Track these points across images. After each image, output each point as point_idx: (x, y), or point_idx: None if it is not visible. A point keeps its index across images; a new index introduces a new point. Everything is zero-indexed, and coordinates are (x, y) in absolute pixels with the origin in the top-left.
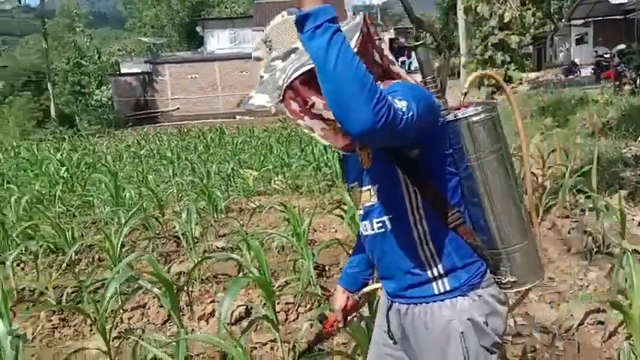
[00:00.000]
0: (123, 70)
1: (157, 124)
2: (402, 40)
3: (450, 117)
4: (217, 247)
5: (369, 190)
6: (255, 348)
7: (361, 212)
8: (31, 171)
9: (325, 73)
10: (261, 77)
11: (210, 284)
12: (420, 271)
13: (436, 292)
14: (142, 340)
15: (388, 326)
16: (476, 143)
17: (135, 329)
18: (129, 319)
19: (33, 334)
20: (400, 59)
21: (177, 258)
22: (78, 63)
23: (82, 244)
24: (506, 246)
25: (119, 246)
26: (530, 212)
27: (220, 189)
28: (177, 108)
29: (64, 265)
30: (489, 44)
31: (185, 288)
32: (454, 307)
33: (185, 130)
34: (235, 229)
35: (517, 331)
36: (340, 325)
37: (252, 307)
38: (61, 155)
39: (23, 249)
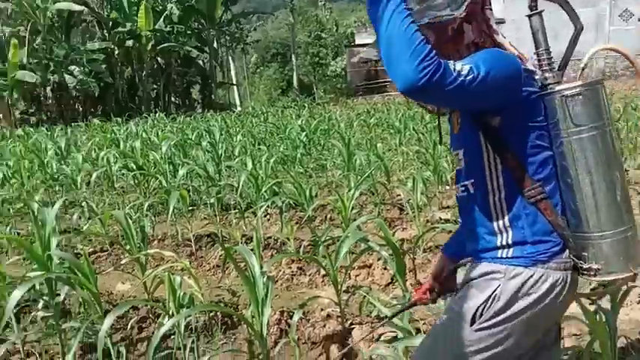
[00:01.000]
0: (357, 42)
1: (385, 94)
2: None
3: (546, 90)
4: (441, 219)
5: (457, 154)
6: None
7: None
8: (277, 134)
9: (380, 33)
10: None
11: (432, 254)
12: (492, 237)
13: (500, 255)
14: (369, 297)
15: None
16: (568, 119)
17: (361, 287)
18: (355, 276)
19: (275, 278)
20: None
21: (400, 225)
22: (318, 35)
23: (319, 203)
24: (593, 231)
25: (350, 208)
26: None
27: (447, 160)
28: None
29: (303, 220)
30: None
31: (409, 255)
32: (508, 272)
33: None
34: None
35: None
36: (428, 294)
37: None
38: (301, 122)
39: (270, 203)
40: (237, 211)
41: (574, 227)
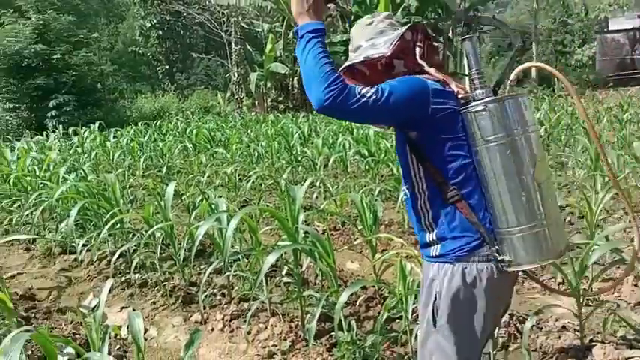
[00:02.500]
0: (611, 27)
1: None
2: None
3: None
4: None
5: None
6: None
7: None
8: None
9: (301, 66)
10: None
11: None
12: (423, 234)
13: (432, 254)
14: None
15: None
16: (478, 132)
17: (606, 301)
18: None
19: None
20: None
21: None
22: (564, 22)
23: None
24: (503, 228)
25: (597, 212)
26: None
27: None
28: None
29: None
30: None
31: None
32: (439, 270)
33: None
34: None
35: None
36: None
37: None
38: (539, 115)
39: None
40: None
41: (492, 224)
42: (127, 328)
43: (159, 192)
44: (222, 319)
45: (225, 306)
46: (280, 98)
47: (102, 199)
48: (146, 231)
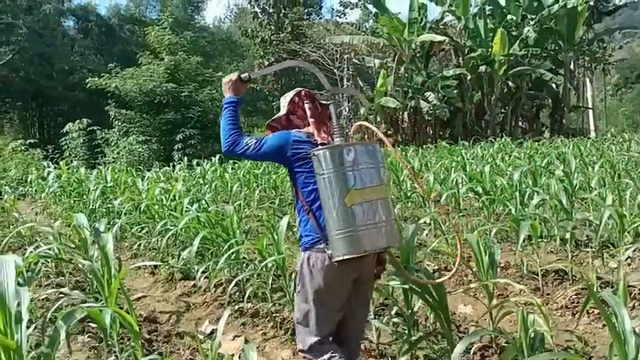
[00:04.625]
0: None
1: None
2: None
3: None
4: None
5: None
6: None
7: None
8: None
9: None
10: None
11: None
12: (299, 231)
13: (301, 245)
14: None
15: None
16: (316, 168)
17: None
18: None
19: None
20: None
21: None
22: None
23: None
24: (329, 230)
25: None
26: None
27: None
28: None
29: None
30: None
31: None
32: (299, 255)
33: None
34: None
35: None
36: None
37: None
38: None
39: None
40: (591, 249)
41: (326, 228)
42: (239, 358)
43: (272, 224)
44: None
45: None
46: (390, 132)
47: (220, 229)
48: (260, 261)
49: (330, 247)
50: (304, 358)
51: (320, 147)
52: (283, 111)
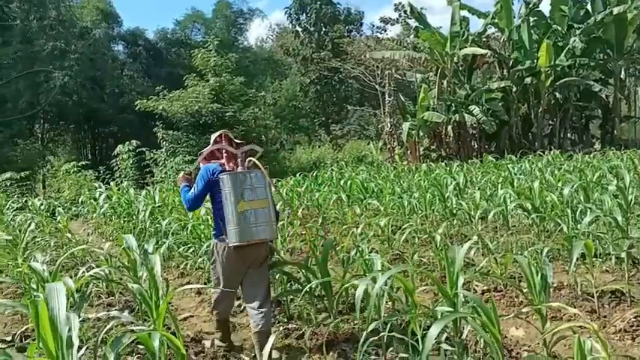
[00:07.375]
0: None
1: None
2: None
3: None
4: None
5: None
6: None
7: None
8: None
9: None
10: None
11: None
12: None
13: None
14: None
15: None
16: (222, 186)
17: None
18: None
19: None
20: None
21: None
22: None
23: None
24: (227, 225)
25: None
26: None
27: None
28: None
29: None
30: None
31: None
32: (213, 243)
33: None
34: None
35: None
36: None
37: None
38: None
39: None
40: None
41: (226, 226)
42: None
43: (315, 244)
44: None
45: None
46: (433, 147)
47: None
48: (304, 282)
49: (227, 237)
50: (212, 311)
51: (224, 173)
52: (210, 148)
